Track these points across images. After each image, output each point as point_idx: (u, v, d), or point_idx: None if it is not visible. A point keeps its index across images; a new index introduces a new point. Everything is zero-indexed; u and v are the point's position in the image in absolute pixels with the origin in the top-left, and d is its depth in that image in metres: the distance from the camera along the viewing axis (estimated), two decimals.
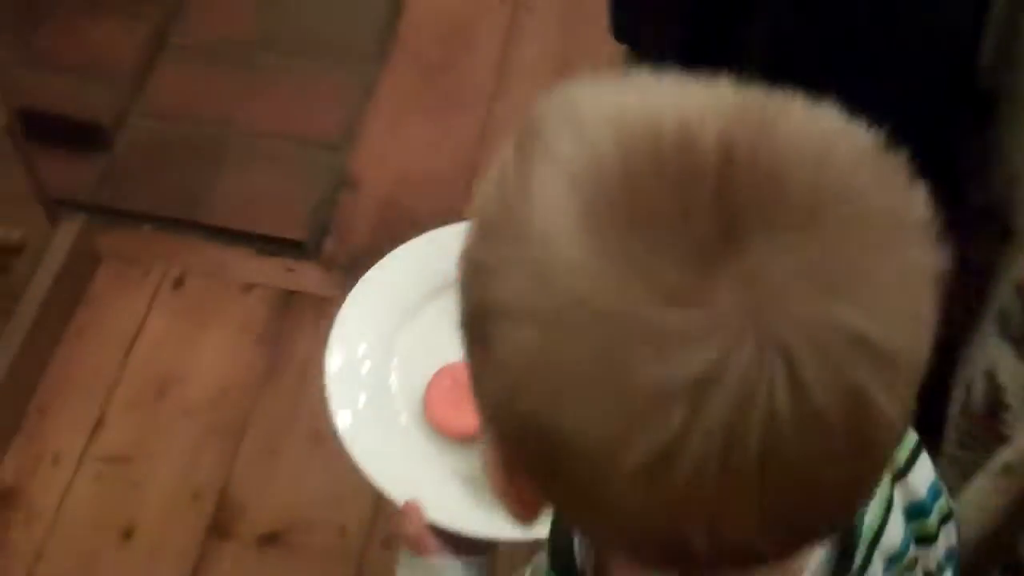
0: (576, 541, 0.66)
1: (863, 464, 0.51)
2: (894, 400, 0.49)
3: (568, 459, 0.50)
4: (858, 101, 0.54)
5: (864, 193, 0.50)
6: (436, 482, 1.05)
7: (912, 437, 0.73)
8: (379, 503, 1.52)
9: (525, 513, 0.58)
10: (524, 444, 0.52)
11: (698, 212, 0.47)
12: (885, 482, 0.70)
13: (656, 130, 0.49)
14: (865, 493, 0.56)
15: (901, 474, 0.73)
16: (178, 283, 1.78)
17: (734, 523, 0.49)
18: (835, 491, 0.51)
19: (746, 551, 0.51)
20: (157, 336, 1.74)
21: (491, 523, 0.99)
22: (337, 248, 1.82)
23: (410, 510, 1.00)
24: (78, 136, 1.88)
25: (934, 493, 0.75)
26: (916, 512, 0.74)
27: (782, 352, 0.46)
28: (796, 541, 0.55)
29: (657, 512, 0.49)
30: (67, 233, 1.72)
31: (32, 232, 1.63)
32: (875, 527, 0.69)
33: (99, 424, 1.66)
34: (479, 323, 0.52)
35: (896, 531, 0.71)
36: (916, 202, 0.51)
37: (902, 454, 0.73)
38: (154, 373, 1.70)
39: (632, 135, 0.50)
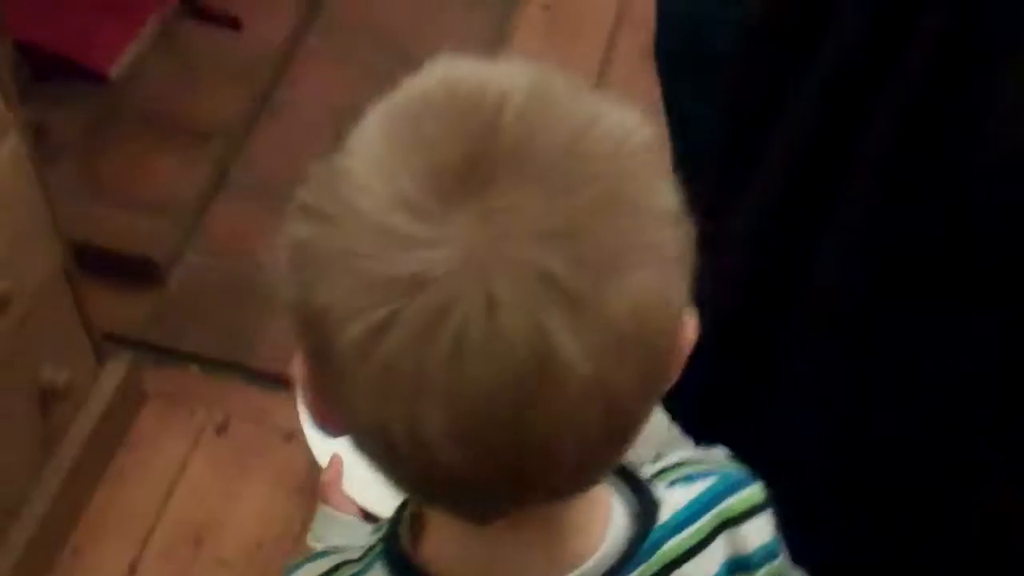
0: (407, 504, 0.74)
1: (547, 408, 0.56)
2: (584, 351, 0.55)
3: (315, 333, 0.59)
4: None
5: (611, 172, 0.58)
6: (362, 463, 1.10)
7: (758, 494, 0.77)
8: None
9: (325, 424, 0.67)
10: (299, 327, 0.61)
11: (457, 145, 0.57)
12: (709, 520, 0.74)
13: (459, 83, 0.59)
14: (559, 450, 0.58)
15: (732, 522, 0.75)
16: (221, 428, 1.77)
17: (426, 422, 0.56)
18: (521, 425, 0.56)
19: (449, 471, 0.57)
20: (197, 482, 1.72)
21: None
22: None
23: (334, 466, 1.12)
24: (131, 271, 1.89)
25: (765, 554, 0.77)
26: (738, 565, 0.75)
27: (486, 277, 0.55)
28: (502, 482, 0.59)
29: (367, 395, 0.57)
30: (114, 373, 1.71)
31: (78, 371, 1.62)
32: (679, 552, 0.72)
33: (132, 571, 1.64)
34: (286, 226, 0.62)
35: (706, 570, 0.74)
36: (664, 193, 0.60)
37: (738, 504, 0.76)
38: (191, 521, 1.68)
39: (441, 84, 0.60)
